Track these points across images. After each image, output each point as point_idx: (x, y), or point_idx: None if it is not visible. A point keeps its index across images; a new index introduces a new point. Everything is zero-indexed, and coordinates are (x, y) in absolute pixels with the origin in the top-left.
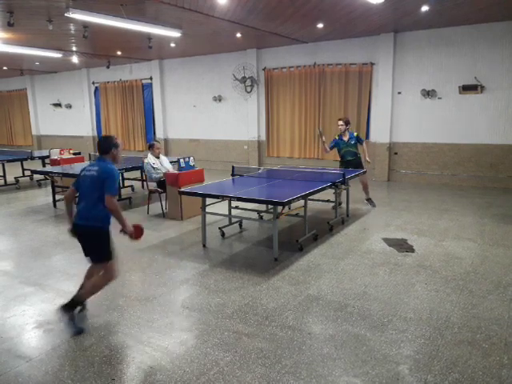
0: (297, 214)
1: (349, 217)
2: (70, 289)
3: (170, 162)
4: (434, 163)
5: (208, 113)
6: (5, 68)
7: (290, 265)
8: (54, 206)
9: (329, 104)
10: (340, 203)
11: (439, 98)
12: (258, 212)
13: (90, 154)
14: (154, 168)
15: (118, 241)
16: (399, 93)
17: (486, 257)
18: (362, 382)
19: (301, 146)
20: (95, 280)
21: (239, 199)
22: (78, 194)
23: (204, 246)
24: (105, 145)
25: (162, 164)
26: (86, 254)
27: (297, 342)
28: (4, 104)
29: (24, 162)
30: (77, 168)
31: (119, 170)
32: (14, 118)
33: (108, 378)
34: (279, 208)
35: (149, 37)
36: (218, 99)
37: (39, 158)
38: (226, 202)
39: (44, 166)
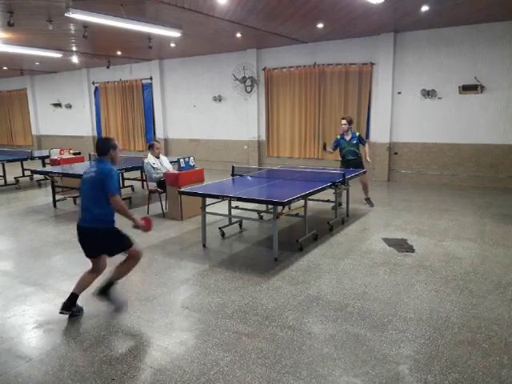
0: (297, 214)
1: (349, 217)
2: (69, 289)
3: (170, 162)
4: (434, 163)
5: (208, 113)
6: (5, 68)
7: (289, 265)
8: (54, 206)
9: (329, 104)
10: (340, 203)
11: (439, 98)
12: (258, 212)
13: (90, 154)
14: (153, 168)
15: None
16: (399, 93)
17: (485, 257)
18: (362, 382)
19: (301, 146)
20: (123, 267)
21: (239, 199)
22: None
23: (204, 245)
24: (103, 146)
25: (162, 164)
26: (88, 255)
27: (297, 342)
28: (4, 104)
29: (24, 162)
30: (77, 168)
31: (119, 169)
32: (14, 118)
33: (108, 378)
34: (279, 208)
35: (149, 37)
36: (218, 99)
37: (39, 158)
38: (226, 201)
39: (44, 166)
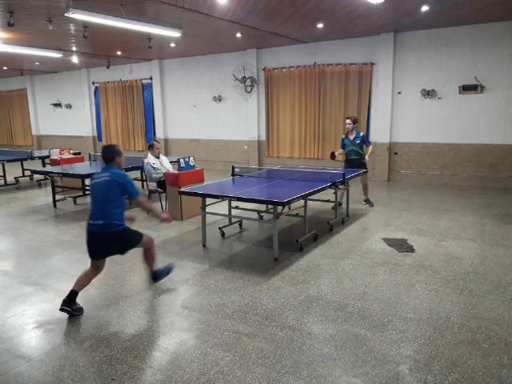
0: (297, 214)
1: (349, 217)
2: (69, 288)
3: (170, 162)
4: (434, 163)
5: (208, 113)
6: (5, 68)
7: (289, 265)
8: (54, 205)
9: (329, 104)
10: (340, 204)
11: (439, 98)
12: (258, 212)
13: (90, 154)
14: (153, 168)
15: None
16: (399, 93)
17: (485, 257)
18: (362, 382)
19: (301, 146)
20: (146, 255)
21: (239, 199)
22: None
23: (204, 245)
24: (109, 153)
25: (162, 164)
26: (97, 257)
27: (297, 342)
28: (4, 104)
29: (24, 162)
30: (77, 168)
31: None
32: (14, 118)
33: (108, 378)
34: (279, 208)
35: (149, 37)
36: (218, 99)
37: (39, 158)
38: (226, 201)
39: (44, 165)
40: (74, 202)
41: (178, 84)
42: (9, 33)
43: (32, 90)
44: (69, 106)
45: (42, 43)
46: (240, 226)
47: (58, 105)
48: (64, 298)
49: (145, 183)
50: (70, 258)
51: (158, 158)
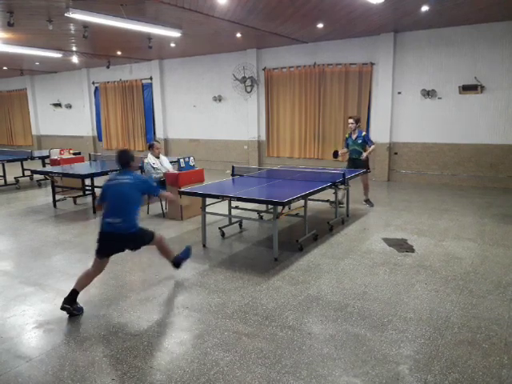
0: (297, 214)
1: (349, 217)
2: (70, 289)
3: (170, 162)
4: (434, 163)
5: (208, 113)
6: (5, 68)
7: (289, 265)
8: (54, 206)
9: (329, 104)
10: (342, 203)
11: (439, 98)
12: (258, 212)
13: (90, 154)
14: (153, 168)
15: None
16: (399, 93)
17: (485, 257)
18: (362, 382)
19: (301, 146)
20: (161, 250)
21: (239, 199)
22: (106, 206)
23: (204, 245)
24: (125, 158)
25: (162, 164)
26: (108, 255)
27: (297, 342)
28: (4, 104)
29: (24, 162)
30: (77, 168)
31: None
32: (14, 118)
33: (108, 378)
34: (279, 208)
35: (149, 37)
36: (218, 99)
37: (39, 158)
38: (226, 201)
39: (44, 165)
40: (74, 202)
41: (178, 84)
42: (9, 33)
43: (32, 90)
44: (69, 106)
45: (41, 43)
46: (240, 226)
47: (58, 105)
48: (65, 297)
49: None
50: (70, 258)
51: (157, 158)
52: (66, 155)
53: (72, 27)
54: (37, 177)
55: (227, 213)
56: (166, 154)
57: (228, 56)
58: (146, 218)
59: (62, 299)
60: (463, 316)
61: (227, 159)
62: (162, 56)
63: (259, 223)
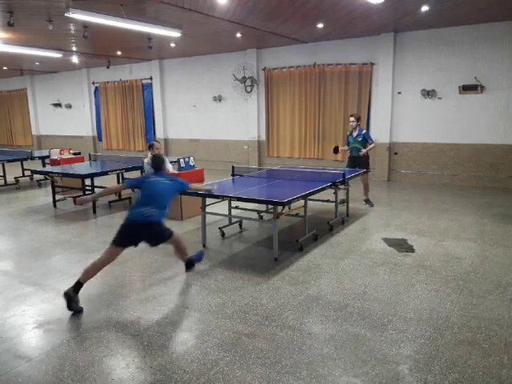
0: (297, 214)
1: (349, 217)
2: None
3: (170, 162)
4: (434, 163)
5: (208, 113)
6: (5, 68)
7: (289, 265)
8: (54, 206)
9: (329, 104)
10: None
11: (439, 98)
12: (258, 212)
13: (90, 154)
14: None
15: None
16: (399, 93)
17: (485, 257)
18: (362, 382)
19: (301, 146)
20: (177, 249)
21: (239, 199)
22: (139, 198)
23: (204, 245)
24: (158, 163)
25: None
26: (127, 244)
27: (297, 342)
28: (4, 104)
29: (24, 162)
30: (77, 168)
31: (119, 169)
32: (14, 118)
33: (108, 378)
34: (279, 208)
35: (149, 37)
36: (218, 99)
37: (39, 158)
38: (226, 201)
39: (44, 165)
40: (74, 202)
41: (178, 84)
42: (9, 33)
43: (32, 90)
44: (69, 106)
45: (42, 43)
46: (240, 226)
47: (58, 105)
48: (70, 287)
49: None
50: (70, 257)
51: None
52: (66, 155)
53: (72, 27)
54: (37, 177)
55: (227, 213)
56: (166, 154)
57: (228, 56)
58: None
59: (62, 299)
60: (463, 316)
61: (227, 159)
62: (162, 56)
63: (259, 223)
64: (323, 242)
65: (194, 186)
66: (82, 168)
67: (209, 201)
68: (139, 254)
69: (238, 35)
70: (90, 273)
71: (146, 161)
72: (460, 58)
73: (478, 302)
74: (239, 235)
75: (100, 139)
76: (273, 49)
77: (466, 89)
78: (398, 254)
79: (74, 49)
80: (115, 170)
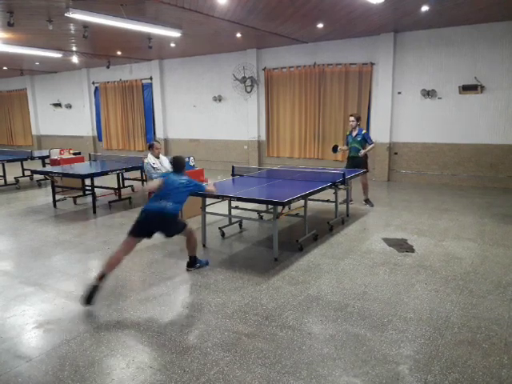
0: (297, 214)
1: (349, 217)
2: (70, 289)
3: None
4: (434, 163)
5: (208, 113)
6: (5, 68)
7: (289, 265)
8: (54, 206)
9: (329, 104)
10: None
11: (439, 98)
12: (258, 212)
13: (90, 154)
14: (153, 168)
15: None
16: (399, 93)
17: (486, 257)
18: (362, 382)
19: (301, 146)
20: (188, 242)
21: (239, 199)
22: (158, 191)
23: (204, 245)
24: (182, 164)
25: (162, 164)
26: (143, 235)
27: (297, 342)
28: (4, 104)
29: (24, 162)
30: (77, 168)
31: (120, 169)
32: (14, 118)
33: (108, 378)
34: (279, 208)
35: (149, 37)
36: (218, 99)
37: (39, 158)
38: (226, 201)
39: (44, 165)
40: (74, 202)
41: (178, 84)
42: (9, 33)
43: (32, 90)
44: (69, 106)
45: (41, 43)
46: (240, 226)
47: (57, 105)
48: (93, 282)
49: (145, 183)
50: (69, 257)
51: (157, 158)
52: (66, 155)
53: (72, 27)
54: (37, 177)
55: (227, 213)
56: (166, 154)
57: (228, 56)
58: None
59: (62, 299)
60: (463, 316)
61: (227, 159)
62: (162, 56)
63: (259, 223)
64: (323, 242)
65: (209, 188)
66: (82, 168)
67: (209, 201)
68: (139, 253)
69: (238, 35)
70: (113, 263)
71: (145, 161)
72: (460, 57)
73: (478, 302)
74: (239, 235)
75: (100, 139)
76: (273, 49)
77: (466, 89)
78: (398, 254)
79: (74, 49)
80: (115, 170)
